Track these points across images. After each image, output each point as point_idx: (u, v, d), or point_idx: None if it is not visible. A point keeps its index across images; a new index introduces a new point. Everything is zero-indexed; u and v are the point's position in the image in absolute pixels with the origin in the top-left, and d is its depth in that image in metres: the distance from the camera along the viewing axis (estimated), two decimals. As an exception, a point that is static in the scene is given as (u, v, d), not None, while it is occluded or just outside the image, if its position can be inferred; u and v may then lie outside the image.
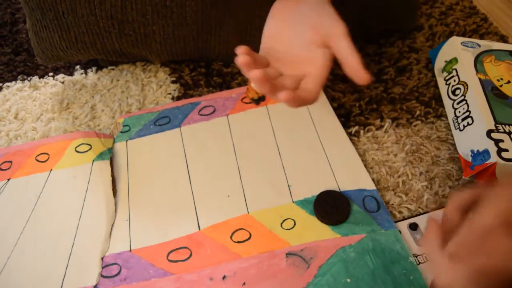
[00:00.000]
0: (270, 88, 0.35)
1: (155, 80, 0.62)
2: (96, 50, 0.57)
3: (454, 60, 0.58)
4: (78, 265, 0.44)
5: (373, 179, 0.49)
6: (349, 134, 0.54)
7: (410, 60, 0.64)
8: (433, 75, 0.62)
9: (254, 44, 0.59)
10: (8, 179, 0.51)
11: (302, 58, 0.38)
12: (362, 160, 0.51)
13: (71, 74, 0.64)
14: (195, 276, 0.43)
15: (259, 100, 0.58)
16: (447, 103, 0.56)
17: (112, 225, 0.47)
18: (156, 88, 0.61)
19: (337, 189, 0.48)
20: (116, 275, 0.43)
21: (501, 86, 0.54)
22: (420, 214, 0.47)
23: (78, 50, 0.56)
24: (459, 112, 0.53)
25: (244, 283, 0.42)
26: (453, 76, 0.57)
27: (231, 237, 0.45)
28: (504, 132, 0.48)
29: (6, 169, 0.52)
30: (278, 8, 0.43)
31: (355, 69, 0.34)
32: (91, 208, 0.48)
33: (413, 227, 0.45)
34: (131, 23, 0.54)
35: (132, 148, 0.54)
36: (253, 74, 0.34)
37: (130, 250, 0.45)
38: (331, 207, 0.46)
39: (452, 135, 0.54)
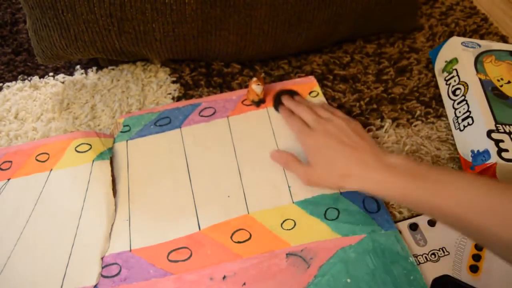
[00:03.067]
0: None
1: (155, 80, 0.62)
2: (96, 49, 0.57)
3: (455, 60, 0.58)
4: (78, 265, 0.44)
5: (373, 179, 0.49)
6: (349, 134, 0.54)
7: (410, 60, 0.64)
8: (433, 75, 0.62)
9: (254, 45, 0.59)
10: (8, 179, 0.51)
11: None
12: (362, 160, 0.51)
13: (71, 74, 0.64)
14: (195, 276, 0.43)
15: (259, 102, 0.58)
16: (448, 103, 0.56)
17: (112, 225, 0.47)
18: (156, 88, 0.61)
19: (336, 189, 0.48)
20: (116, 275, 0.43)
21: (501, 86, 0.54)
22: (420, 214, 0.47)
23: (78, 49, 0.56)
24: (459, 112, 0.53)
25: (244, 283, 0.42)
26: (453, 76, 0.57)
27: (231, 237, 0.45)
28: (504, 132, 0.48)
29: (6, 169, 0.52)
30: None
31: None
32: (91, 208, 0.48)
33: (413, 227, 0.45)
34: (130, 21, 0.54)
35: (132, 148, 0.54)
36: None
37: (130, 250, 0.45)
38: None
39: (452, 135, 0.54)
